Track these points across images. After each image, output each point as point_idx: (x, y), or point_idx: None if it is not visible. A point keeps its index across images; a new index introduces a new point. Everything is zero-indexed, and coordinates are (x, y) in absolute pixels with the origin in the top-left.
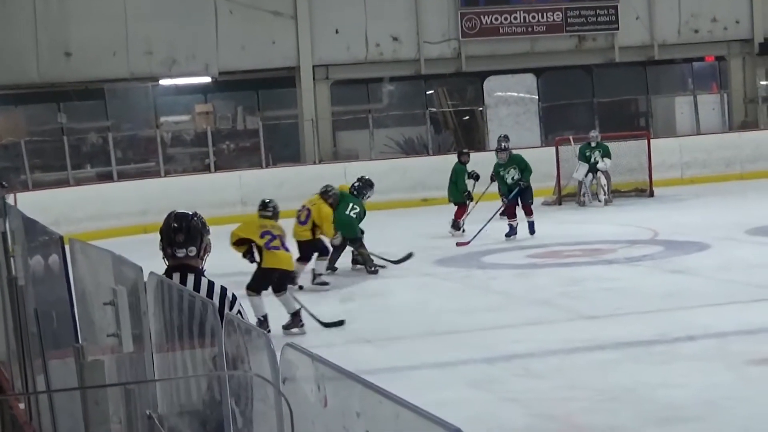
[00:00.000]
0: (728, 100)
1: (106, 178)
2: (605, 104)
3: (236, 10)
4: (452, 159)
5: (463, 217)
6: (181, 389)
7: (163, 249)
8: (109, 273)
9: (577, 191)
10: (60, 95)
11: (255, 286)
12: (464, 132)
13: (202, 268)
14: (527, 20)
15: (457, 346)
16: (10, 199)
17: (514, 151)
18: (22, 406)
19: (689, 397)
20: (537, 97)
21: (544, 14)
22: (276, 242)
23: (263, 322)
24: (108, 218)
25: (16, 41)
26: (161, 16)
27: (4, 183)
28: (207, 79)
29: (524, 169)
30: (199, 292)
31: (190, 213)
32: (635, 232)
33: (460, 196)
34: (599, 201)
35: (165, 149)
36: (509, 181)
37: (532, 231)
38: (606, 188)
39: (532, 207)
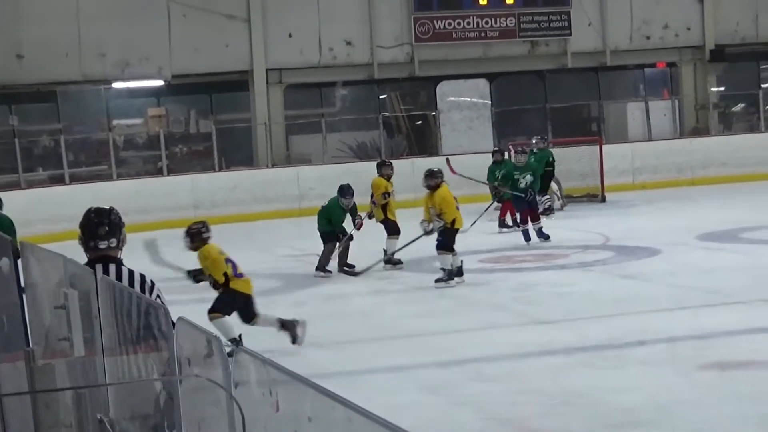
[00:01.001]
0: (679, 106)
1: (58, 181)
2: (558, 109)
3: (189, 13)
4: (404, 163)
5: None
6: (132, 393)
7: (85, 243)
8: (61, 276)
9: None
10: (11, 97)
11: (222, 309)
12: (417, 136)
13: (120, 258)
14: (480, 25)
15: (411, 351)
16: None
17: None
18: None
19: (641, 402)
20: (490, 102)
21: (497, 19)
22: (239, 269)
23: (238, 341)
24: (60, 221)
25: None
26: (114, 18)
27: None
28: (160, 82)
29: (536, 178)
30: (121, 280)
31: (108, 208)
32: (587, 238)
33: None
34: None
35: (117, 152)
36: (522, 185)
37: (546, 237)
38: (559, 193)
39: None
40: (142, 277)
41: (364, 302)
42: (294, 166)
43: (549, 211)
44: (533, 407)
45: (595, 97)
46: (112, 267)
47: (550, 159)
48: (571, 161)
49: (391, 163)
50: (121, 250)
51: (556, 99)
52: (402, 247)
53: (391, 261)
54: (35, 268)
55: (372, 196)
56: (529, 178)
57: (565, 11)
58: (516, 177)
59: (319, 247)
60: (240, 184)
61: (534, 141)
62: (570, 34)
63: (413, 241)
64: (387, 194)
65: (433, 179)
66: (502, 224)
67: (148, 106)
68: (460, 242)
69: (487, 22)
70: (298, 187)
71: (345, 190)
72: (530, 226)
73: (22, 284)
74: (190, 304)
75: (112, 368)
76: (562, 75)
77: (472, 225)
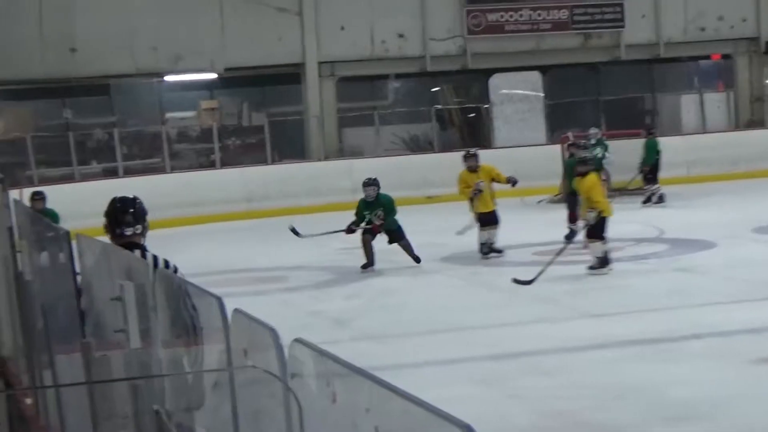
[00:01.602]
0: (734, 99)
1: (112, 173)
2: (611, 102)
3: (242, 7)
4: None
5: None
6: (187, 385)
7: (111, 230)
8: (117, 268)
9: None
10: (65, 91)
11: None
12: (469, 129)
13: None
14: (533, 18)
15: (463, 344)
16: (16, 194)
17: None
18: (29, 401)
19: (695, 395)
20: (542, 94)
21: (550, 12)
22: None
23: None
24: None
25: (21, 37)
26: (167, 12)
27: (0, 176)
28: (212, 76)
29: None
30: None
31: (132, 197)
32: (641, 231)
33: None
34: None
35: (170, 145)
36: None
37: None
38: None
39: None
40: (166, 262)
41: (416, 295)
42: (346, 159)
43: (661, 199)
44: (587, 401)
45: (649, 90)
46: (137, 253)
47: (659, 147)
48: (625, 154)
49: (476, 154)
50: (144, 237)
51: (609, 91)
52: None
53: (493, 250)
54: (91, 261)
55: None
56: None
57: (619, 3)
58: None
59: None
60: (292, 176)
61: (591, 131)
62: (623, 26)
63: (576, 235)
64: (478, 191)
65: (584, 166)
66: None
67: (200, 99)
68: (514, 234)
69: (539, 14)
70: (350, 179)
71: (364, 183)
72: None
73: (78, 277)
74: (244, 296)
75: (168, 359)
76: (615, 67)
77: (538, 203)
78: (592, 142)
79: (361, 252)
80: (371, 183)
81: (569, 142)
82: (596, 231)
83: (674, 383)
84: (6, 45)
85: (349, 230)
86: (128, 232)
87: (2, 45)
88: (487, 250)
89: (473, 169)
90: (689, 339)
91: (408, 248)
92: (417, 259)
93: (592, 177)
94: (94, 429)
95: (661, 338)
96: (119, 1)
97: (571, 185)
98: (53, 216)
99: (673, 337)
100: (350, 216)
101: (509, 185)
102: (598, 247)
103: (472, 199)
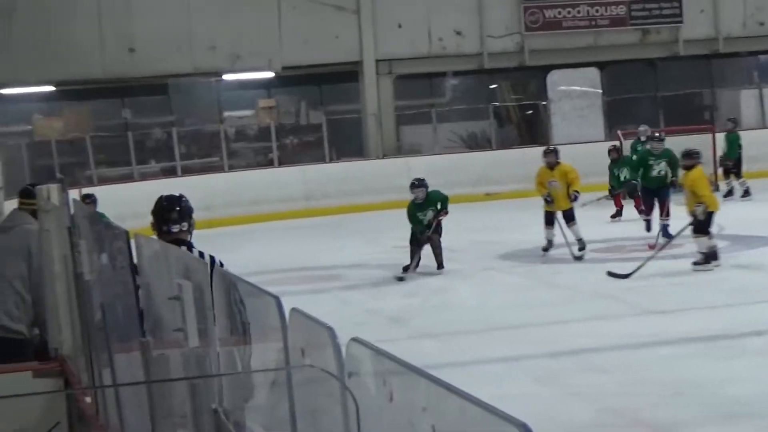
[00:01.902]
0: None
1: (170, 173)
2: (669, 98)
3: (299, 5)
4: (514, 153)
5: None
6: (245, 384)
7: (158, 227)
8: (174, 268)
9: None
10: (124, 90)
11: None
12: (527, 126)
13: (191, 240)
14: (590, 14)
15: (521, 341)
16: (75, 194)
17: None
18: (88, 399)
19: (756, 393)
20: (601, 90)
21: (608, 8)
22: None
23: None
24: None
25: (80, 37)
26: (225, 11)
27: (60, 176)
28: (270, 74)
29: (676, 165)
30: None
31: (178, 195)
32: None
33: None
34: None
35: (229, 144)
36: (654, 173)
37: (666, 234)
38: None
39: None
40: (212, 258)
41: (472, 293)
42: (404, 157)
43: (747, 193)
44: (646, 398)
45: (708, 85)
46: (183, 249)
47: (740, 141)
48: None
49: (555, 150)
50: (190, 234)
51: (667, 87)
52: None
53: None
54: (149, 260)
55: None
56: (663, 165)
57: None
58: (650, 163)
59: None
60: (350, 175)
61: (641, 129)
62: (681, 22)
63: (683, 230)
64: (548, 197)
65: (690, 159)
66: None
67: (258, 97)
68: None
69: (597, 11)
70: (408, 177)
71: (412, 185)
72: (656, 218)
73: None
74: (301, 295)
75: (226, 358)
76: (673, 63)
77: (583, 206)
78: (642, 139)
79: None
80: (419, 184)
81: (610, 147)
82: (703, 226)
83: (733, 380)
84: (65, 46)
85: (424, 240)
86: (174, 229)
87: (62, 46)
88: (582, 247)
89: (551, 165)
90: (750, 336)
91: (438, 251)
92: (441, 265)
93: (697, 170)
94: (153, 428)
95: (721, 335)
96: (177, 0)
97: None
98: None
99: (733, 334)
100: (403, 215)
101: (571, 197)
102: (704, 242)
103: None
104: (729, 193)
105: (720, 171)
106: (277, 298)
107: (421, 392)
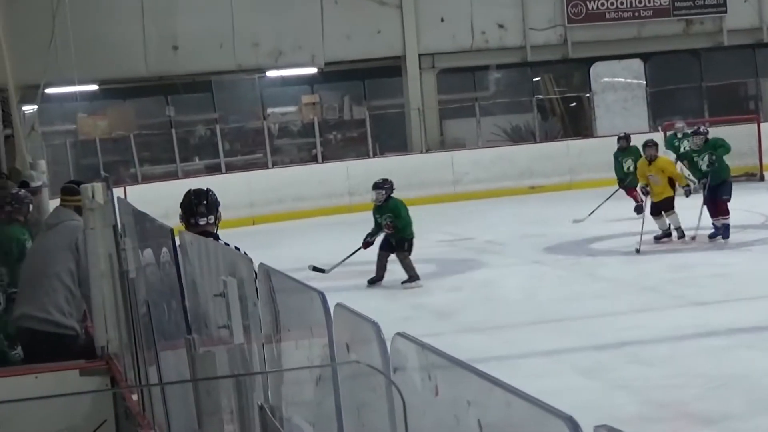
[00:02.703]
0: None
1: (215, 170)
2: (714, 88)
3: (341, 1)
4: (558, 146)
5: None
6: (291, 380)
7: (186, 220)
8: (219, 265)
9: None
10: (168, 88)
11: None
12: (571, 119)
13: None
14: (634, 5)
15: (566, 334)
16: (120, 192)
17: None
18: (135, 397)
19: None
20: (644, 82)
21: None
22: None
23: None
24: None
25: (124, 36)
26: (267, 8)
27: (105, 174)
28: (313, 70)
29: (722, 146)
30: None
31: (205, 189)
32: (746, 217)
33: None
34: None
35: (272, 141)
36: (703, 167)
37: (725, 235)
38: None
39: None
40: (237, 249)
41: (518, 287)
42: (448, 151)
43: None
44: (692, 390)
45: (753, 75)
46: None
47: (675, 143)
48: (729, 140)
49: (655, 144)
50: (216, 227)
51: (712, 78)
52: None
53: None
54: (193, 257)
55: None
56: (707, 159)
57: None
58: (695, 159)
59: (473, 229)
60: (394, 169)
61: (678, 125)
62: (725, 12)
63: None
64: (644, 188)
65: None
66: (640, 209)
67: (301, 93)
68: (606, 226)
69: (640, 1)
70: (452, 171)
71: (373, 185)
72: (719, 220)
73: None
74: (346, 291)
75: (271, 355)
76: (718, 53)
77: (590, 214)
78: (679, 135)
79: (463, 244)
80: (379, 185)
81: (619, 135)
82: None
83: None
84: (109, 44)
85: (366, 244)
86: (201, 221)
87: (106, 45)
88: (681, 234)
89: (651, 158)
90: None
91: (406, 265)
92: (411, 279)
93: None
94: (199, 425)
95: (766, 326)
96: None
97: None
98: None
99: None
100: (455, 207)
101: (683, 192)
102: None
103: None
104: None
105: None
106: (321, 294)
107: (466, 386)
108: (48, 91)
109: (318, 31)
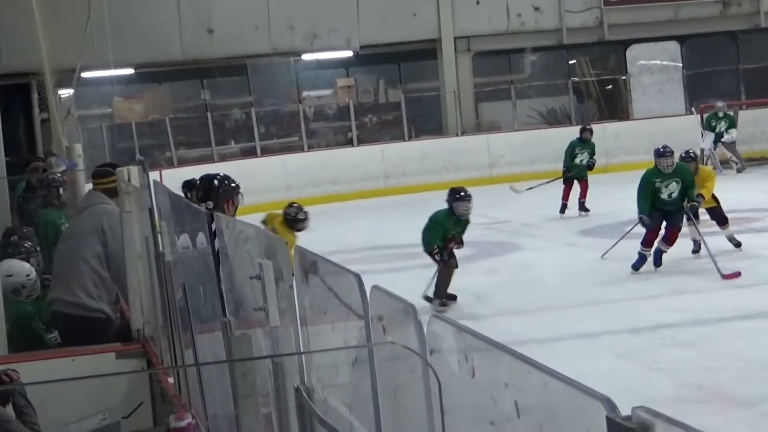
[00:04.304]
0: None
1: (250, 153)
2: (751, 70)
3: None
4: (596, 128)
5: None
6: (327, 362)
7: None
8: (255, 247)
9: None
10: (203, 72)
11: None
12: (607, 101)
13: None
14: None
15: (603, 317)
16: (156, 175)
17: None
18: (171, 380)
19: None
20: (681, 64)
21: None
22: None
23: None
24: (252, 194)
25: (159, 19)
26: None
27: (140, 158)
28: (348, 53)
29: (690, 185)
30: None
31: (215, 174)
32: None
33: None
34: (732, 169)
35: (308, 124)
36: (665, 197)
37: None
38: (735, 157)
39: None
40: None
41: (554, 270)
42: (484, 134)
43: None
44: (730, 373)
45: None
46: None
47: (713, 123)
48: (766, 123)
49: (693, 156)
50: (229, 212)
51: (749, 60)
52: None
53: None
54: (229, 240)
55: None
56: (674, 187)
57: None
58: (657, 186)
59: (510, 212)
60: (430, 152)
61: (718, 104)
62: None
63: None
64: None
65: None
66: (582, 207)
67: (337, 77)
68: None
69: None
70: (488, 154)
71: (459, 196)
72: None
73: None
74: (383, 273)
75: (307, 337)
76: (755, 35)
77: (529, 189)
78: (720, 115)
79: (500, 227)
80: (467, 196)
81: (583, 126)
82: None
83: None
84: (144, 28)
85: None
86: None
87: (141, 28)
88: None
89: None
90: None
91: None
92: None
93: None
94: (235, 407)
95: None
96: None
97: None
98: None
99: None
100: (491, 190)
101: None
102: None
103: None
104: None
105: None
106: (358, 276)
107: (502, 368)
108: (84, 75)
109: (353, 14)
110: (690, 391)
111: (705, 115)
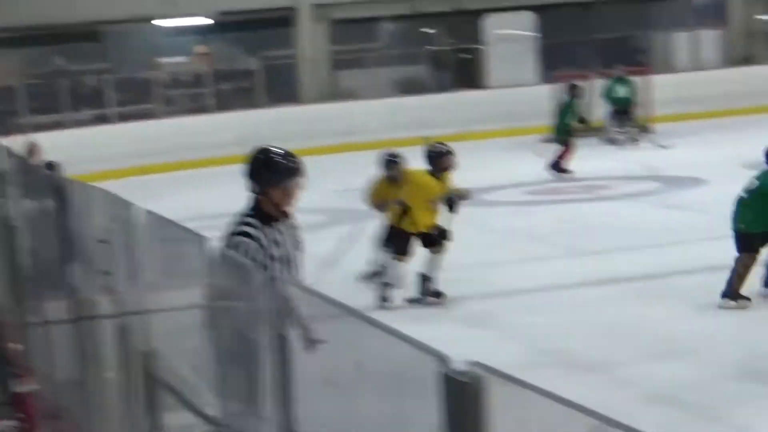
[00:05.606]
0: (728, 36)
1: (105, 120)
2: (605, 41)
3: None
4: (451, 97)
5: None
6: (173, 327)
7: None
8: (105, 213)
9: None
10: (58, 37)
11: None
12: (463, 71)
13: None
14: None
15: (456, 283)
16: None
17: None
18: (20, 346)
19: (685, 332)
20: (536, 34)
21: None
22: None
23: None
24: (106, 161)
25: None
26: None
27: None
28: (206, 21)
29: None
30: None
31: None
32: (633, 169)
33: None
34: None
35: (164, 91)
36: None
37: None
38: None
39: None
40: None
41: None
42: (341, 102)
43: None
44: (580, 339)
45: (642, 28)
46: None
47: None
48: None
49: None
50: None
51: (603, 30)
52: None
53: None
54: (79, 205)
55: None
56: None
57: None
58: None
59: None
60: (286, 120)
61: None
62: None
63: None
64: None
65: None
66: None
67: (194, 44)
68: (505, 174)
69: None
70: (346, 122)
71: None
72: None
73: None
74: None
75: (154, 301)
76: (610, 6)
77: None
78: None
79: (352, 194)
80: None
81: (575, 83)
82: None
83: (663, 320)
84: None
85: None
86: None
87: None
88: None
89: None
90: (681, 275)
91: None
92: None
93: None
94: (82, 371)
95: (653, 275)
96: None
97: (566, 125)
98: None
99: (665, 273)
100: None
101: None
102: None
103: None
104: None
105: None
106: (204, 239)
107: (347, 329)
108: None
109: None
110: (541, 357)
111: (607, 81)
